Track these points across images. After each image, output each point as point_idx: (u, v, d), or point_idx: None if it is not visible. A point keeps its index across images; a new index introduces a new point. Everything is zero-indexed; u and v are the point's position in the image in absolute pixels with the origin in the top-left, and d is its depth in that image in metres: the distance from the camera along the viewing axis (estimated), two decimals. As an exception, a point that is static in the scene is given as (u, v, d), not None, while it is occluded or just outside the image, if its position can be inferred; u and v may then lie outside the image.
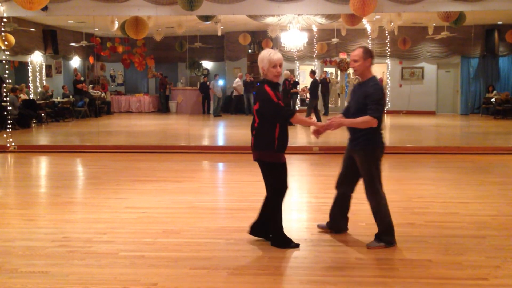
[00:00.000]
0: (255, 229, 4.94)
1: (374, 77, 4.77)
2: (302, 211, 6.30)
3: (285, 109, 4.57)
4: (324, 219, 5.48)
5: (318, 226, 5.27)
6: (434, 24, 15.01)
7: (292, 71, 20.06)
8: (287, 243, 4.74)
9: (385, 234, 4.77)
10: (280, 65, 4.61)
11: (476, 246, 4.79)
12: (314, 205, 6.49)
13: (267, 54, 4.57)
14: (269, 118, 4.55)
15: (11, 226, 5.57)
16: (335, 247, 4.80)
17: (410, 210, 6.10)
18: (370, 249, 4.70)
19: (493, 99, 18.75)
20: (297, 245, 4.75)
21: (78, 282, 3.95)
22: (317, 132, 4.91)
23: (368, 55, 4.69)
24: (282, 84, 16.17)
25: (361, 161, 4.75)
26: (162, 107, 22.13)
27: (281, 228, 4.76)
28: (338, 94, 22.06)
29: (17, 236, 5.13)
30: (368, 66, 4.70)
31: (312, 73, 17.27)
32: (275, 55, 4.57)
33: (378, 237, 4.80)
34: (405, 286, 3.89)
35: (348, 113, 4.86)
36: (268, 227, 4.83)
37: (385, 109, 20.13)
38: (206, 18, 11.30)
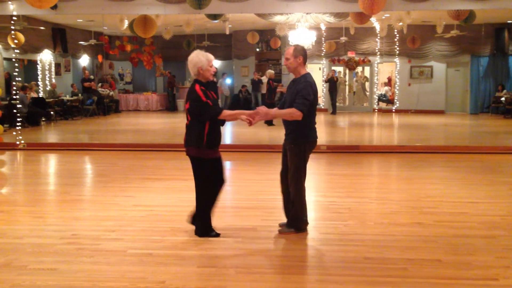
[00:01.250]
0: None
1: (307, 74, 5.00)
2: (310, 210, 6.25)
3: (212, 108, 4.76)
4: (333, 217, 5.48)
5: (280, 225, 5.27)
6: (444, 23, 14.92)
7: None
8: (209, 232, 4.98)
9: (296, 220, 5.09)
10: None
11: (486, 246, 4.76)
12: (322, 204, 6.47)
13: (204, 54, 4.93)
14: (197, 116, 4.77)
15: (20, 223, 5.60)
16: (344, 246, 4.78)
17: (419, 209, 6.07)
18: (282, 234, 5.05)
19: (503, 98, 18.61)
20: (218, 234, 5.00)
21: (86, 279, 3.96)
22: (249, 122, 4.95)
23: (299, 53, 4.96)
24: (267, 84, 16.16)
25: (290, 154, 5.01)
26: (170, 106, 22.19)
27: (209, 218, 5.00)
28: (354, 93, 21.99)
29: (26, 233, 5.16)
30: (300, 63, 4.97)
31: None
32: (210, 55, 4.98)
33: (289, 223, 5.13)
34: (414, 286, 3.86)
35: (283, 108, 5.11)
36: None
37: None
38: (214, 16, 11.31)
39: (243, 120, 4.93)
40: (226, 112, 4.88)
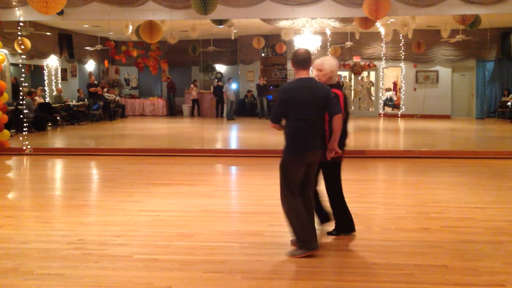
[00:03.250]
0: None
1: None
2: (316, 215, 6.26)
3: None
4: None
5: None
6: (449, 28, 14.89)
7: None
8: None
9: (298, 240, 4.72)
10: None
11: (493, 252, 4.73)
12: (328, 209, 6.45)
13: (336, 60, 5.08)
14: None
15: (27, 228, 5.62)
16: (350, 251, 4.77)
17: (425, 215, 6.04)
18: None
19: (509, 103, 18.54)
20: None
21: (93, 285, 3.97)
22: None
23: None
24: None
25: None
26: (173, 111, 22.09)
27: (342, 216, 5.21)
28: (359, 99, 21.97)
29: (33, 238, 5.18)
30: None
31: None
32: (316, 60, 5.04)
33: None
34: (421, 292, 3.85)
35: None
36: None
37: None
38: (219, 22, 11.34)
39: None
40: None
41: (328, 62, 4.97)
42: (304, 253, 4.55)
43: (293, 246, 4.78)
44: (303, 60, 4.62)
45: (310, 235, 4.62)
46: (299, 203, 4.61)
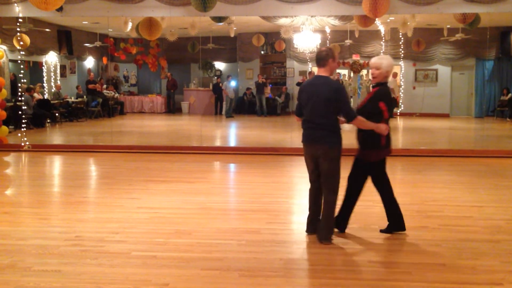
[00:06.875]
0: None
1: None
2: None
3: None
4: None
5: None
6: (449, 26, 14.88)
7: (304, 73, 20.04)
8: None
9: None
10: None
11: (490, 251, 4.73)
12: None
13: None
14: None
15: (24, 225, 5.62)
16: (348, 249, 4.77)
17: (424, 213, 6.05)
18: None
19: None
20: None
21: (90, 281, 3.97)
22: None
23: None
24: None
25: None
26: (173, 108, 21.99)
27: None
28: (351, 96, 21.94)
29: (31, 235, 5.17)
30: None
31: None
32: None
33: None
34: (418, 290, 3.85)
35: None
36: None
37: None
38: (219, 19, 11.32)
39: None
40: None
41: (386, 61, 5.07)
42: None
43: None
44: (317, 58, 4.97)
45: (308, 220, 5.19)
46: (310, 189, 5.24)
